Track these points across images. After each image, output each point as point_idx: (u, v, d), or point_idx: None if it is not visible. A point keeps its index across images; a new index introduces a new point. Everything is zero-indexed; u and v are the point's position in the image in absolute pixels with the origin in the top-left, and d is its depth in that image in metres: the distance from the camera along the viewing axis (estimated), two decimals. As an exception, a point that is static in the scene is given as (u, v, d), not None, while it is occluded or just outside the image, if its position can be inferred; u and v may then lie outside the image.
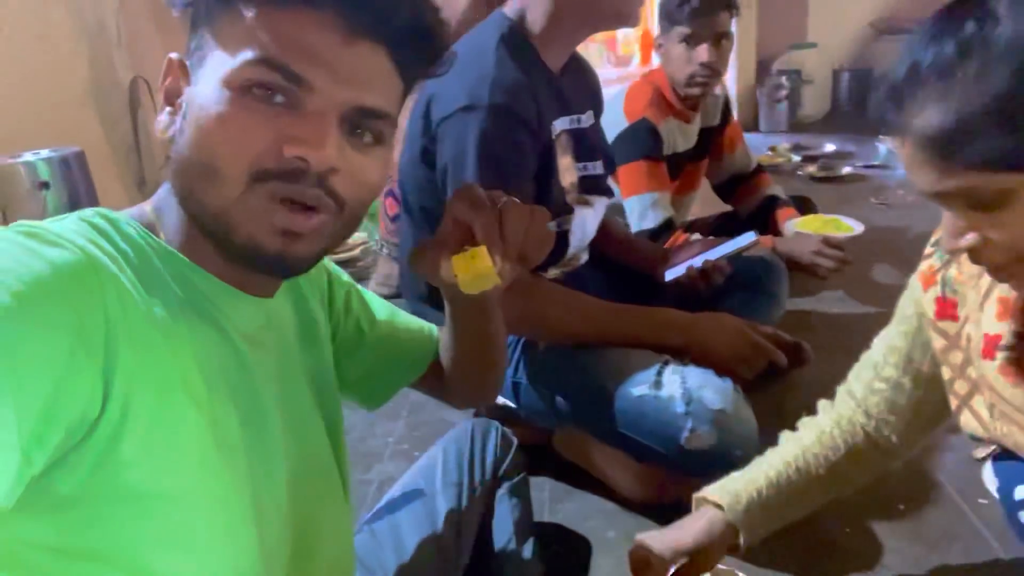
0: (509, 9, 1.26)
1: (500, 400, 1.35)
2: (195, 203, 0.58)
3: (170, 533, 0.54)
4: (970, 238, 0.65)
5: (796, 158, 3.20)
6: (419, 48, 0.62)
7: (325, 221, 0.59)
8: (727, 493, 0.96)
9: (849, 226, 1.97)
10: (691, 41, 1.75)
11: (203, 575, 0.57)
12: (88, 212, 0.57)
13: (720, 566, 1.02)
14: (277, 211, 0.57)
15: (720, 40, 1.76)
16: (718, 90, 2.00)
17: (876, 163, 3.07)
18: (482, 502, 1.06)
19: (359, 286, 0.87)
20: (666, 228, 1.81)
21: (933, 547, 1.11)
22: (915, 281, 0.88)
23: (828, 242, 1.76)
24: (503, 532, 1.05)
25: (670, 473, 1.21)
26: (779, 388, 1.53)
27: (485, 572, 1.02)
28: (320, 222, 0.59)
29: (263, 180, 0.56)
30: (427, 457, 1.13)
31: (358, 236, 2.70)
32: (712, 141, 2.03)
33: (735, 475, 0.99)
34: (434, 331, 0.91)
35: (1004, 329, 0.75)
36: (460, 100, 1.14)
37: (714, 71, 1.78)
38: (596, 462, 1.31)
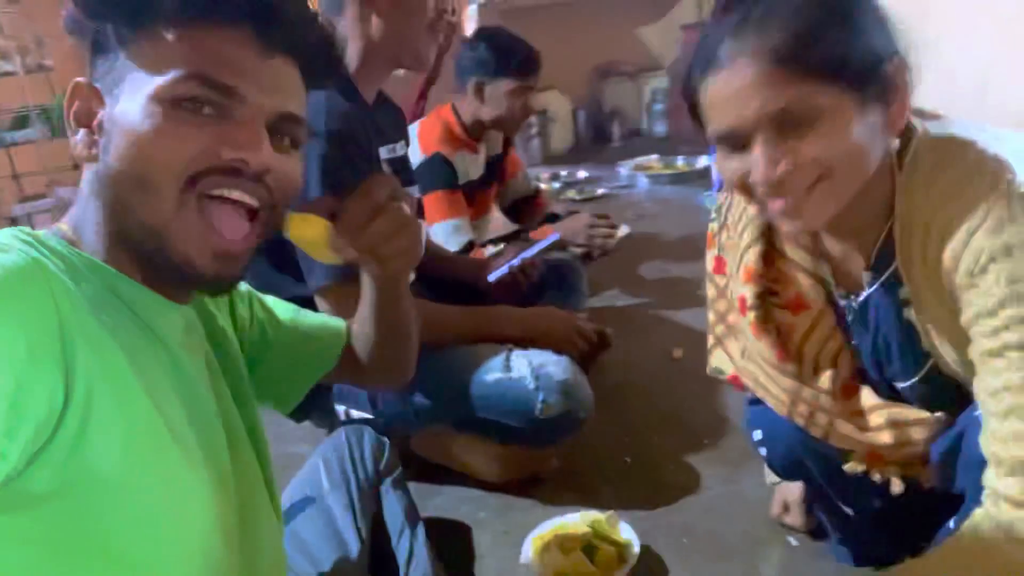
0: (327, 49, 1.37)
1: (356, 414, 1.41)
2: (128, 216, 0.61)
3: (142, 520, 0.57)
4: (784, 164, 0.71)
5: (556, 185, 3.61)
6: (321, 61, 0.70)
7: (257, 230, 0.65)
8: None
9: (619, 229, 2.34)
10: (516, 94, 2.00)
11: (176, 558, 0.59)
12: (6, 230, 0.59)
13: (604, 514, 1.18)
14: (208, 229, 0.61)
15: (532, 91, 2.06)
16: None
17: (621, 184, 3.57)
18: (371, 499, 1.13)
19: (258, 293, 0.91)
20: (468, 250, 1.99)
21: (736, 465, 1.38)
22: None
23: (596, 216, 2.13)
24: (395, 522, 1.12)
25: (526, 449, 1.37)
26: (593, 368, 1.76)
27: (388, 562, 1.08)
28: (253, 234, 0.64)
29: (197, 180, 0.60)
30: (306, 468, 1.16)
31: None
32: (498, 168, 2.27)
33: None
34: (341, 325, 0.96)
35: (748, 291, 0.90)
36: None
37: (532, 115, 2.04)
38: (456, 454, 1.43)
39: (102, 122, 0.62)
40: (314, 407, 1.46)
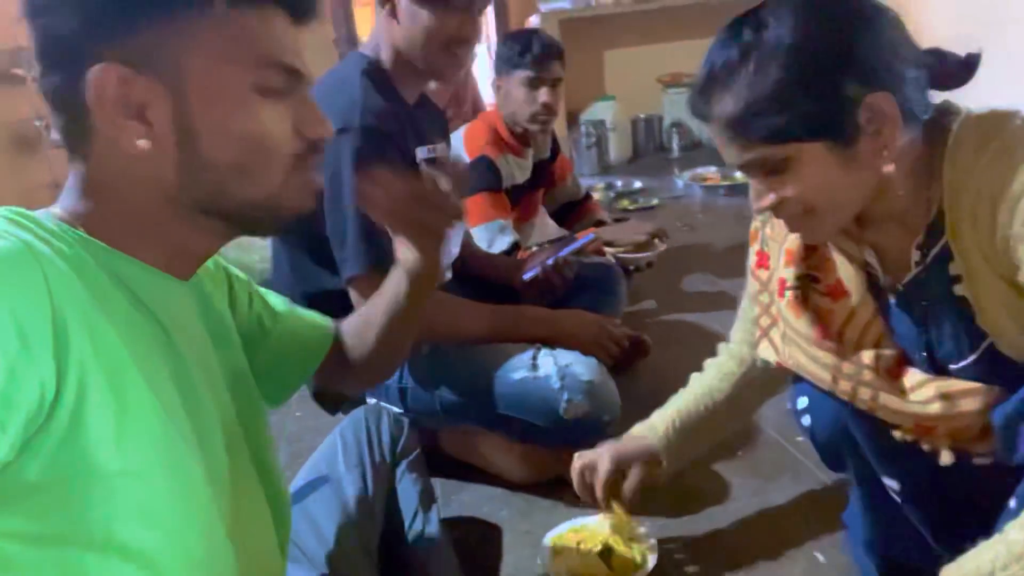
0: (366, 48, 1.40)
1: (386, 407, 1.43)
2: (229, 201, 0.64)
3: (138, 509, 0.55)
4: (770, 198, 0.80)
5: (611, 195, 3.59)
6: (312, 18, 0.69)
7: None
8: (647, 426, 1.12)
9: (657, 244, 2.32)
10: (532, 85, 1.99)
11: (175, 548, 0.58)
12: (1, 210, 0.57)
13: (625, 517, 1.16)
14: (307, 177, 0.68)
15: (556, 84, 2.02)
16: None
17: (677, 195, 3.52)
18: (385, 480, 1.12)
19: (256, 286, 0.90)
20: (514, 251, 2.00)
21: (768, 479, 1.34)
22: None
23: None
24: (409, 505, 1.12)
25: (550, 450, 1.36)
26: (625, 375, 1.74)
27: (398, 545, 1.09)
28: None
29: (301, 161, 0.66)
30: (325, 445, 1.17)
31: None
32: (545, 172, 2.27)
33: (655, 413, 1.15)
34: (330, 324, 0.96)
35: (789, 273, 0.92)
36: (333, 124, 1.25)
37: (552, 111, 2.04)
38: (482, 452, 1.43)
39: (171, 110, 0.59)
40: (346, 399, 1.49)
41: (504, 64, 2.03)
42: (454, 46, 1.35)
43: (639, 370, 1.76)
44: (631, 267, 2.21)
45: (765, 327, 0.99)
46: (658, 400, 1.68)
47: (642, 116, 4.50)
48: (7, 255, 0.50)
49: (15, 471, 0.50)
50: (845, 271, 0.89)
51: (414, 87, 1.45)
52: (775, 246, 0.96)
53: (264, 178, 0.64)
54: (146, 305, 0.61)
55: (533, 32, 2.07)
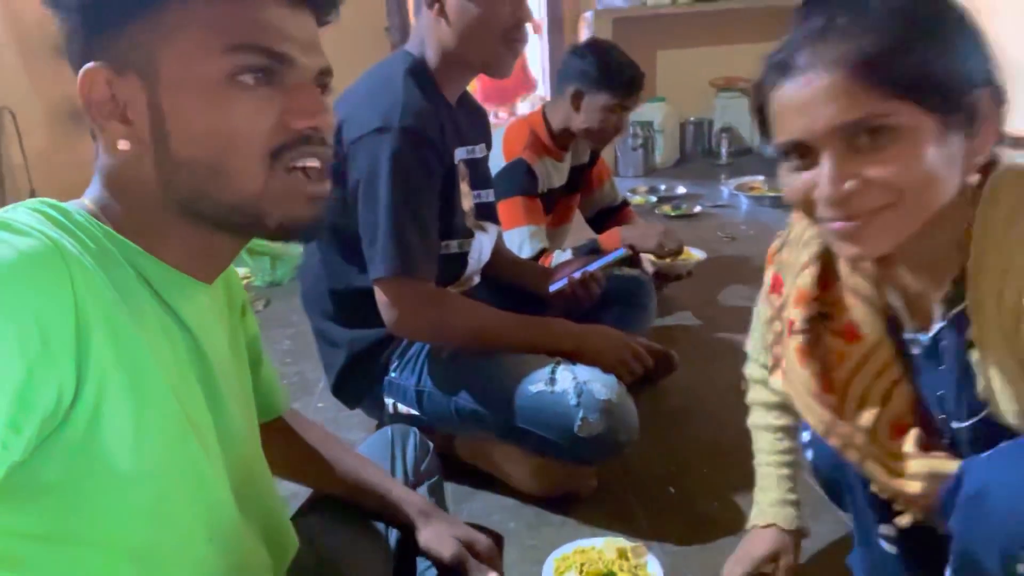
0: (410, 47, 1.39)
1: (403, 408, 1.43)
2: (204, 202, 0.59)
3: (149, 510, 0.56)
4: (852, 183, 0.68)
5: (653, 199, 3.53)
6: (329, 4, 0.65)
7: (328, 178, 0.64)
8: (767, 514, 1.09)
9: (695, 255, 2.29)
10: (611, 110, 1.99)
11: (181, 547, 0.58)
12: (34, 202, 0.57)
13: (632, 543, 1.15)
14: (301, 183, 0.60)
15: (629, 111, 2.05)
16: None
17: (721, 203, 3.45)
18: None
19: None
20: (539, 256, 1.98)
21: (785, 512, 1.30)
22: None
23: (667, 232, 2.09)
24: None
25: (564, 465, 1.35)
26: (652, 391, 1.71)
27: (413, 564, 1.08)
28: (327, 178, 0.63)
29: (279, 156, 0.59)
30: None
31: (241, 271, 2.68)
32: (582, 178, 2.24)
33: (759, 495, 1.12)
34: (284, 398, 0.93)
35: (797, 315, 0.86)
36: (373, 123, 1.26)
37: (619, 135, 2.11)
38: (496, 461, 1.42)
39: (146, 109, 0.58)
40: (365, 396, 1.50)
41: (583, 79, 1.98)
42: (510, 34, 1.32)
43: (665, 386, 1.74)
44: (669, 276, 2.18)
45: (778, 356, 0.95)
46: (681, 420, 1.66)
47: (692, 119, 4.42)
48: (35, 256, 0.50)
49: (30, 471, 0.50)
50: (859, 314, 0.84)
51: (458, 86, 1.44)
52: (790, 275, 0.91)
53: (239, 178, 0.59)
54: (170, 305, 0.61)
55: (625, 58, 2.02)
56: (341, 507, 0.96)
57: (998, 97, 0.70)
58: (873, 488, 0.85)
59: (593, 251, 1.98)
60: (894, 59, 0.66)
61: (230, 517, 0.64)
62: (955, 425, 0.80)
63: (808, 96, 0.68)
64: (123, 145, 0.58)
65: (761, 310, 1.02)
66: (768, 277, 0.97)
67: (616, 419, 1.24)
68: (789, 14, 0.76)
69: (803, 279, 0.87)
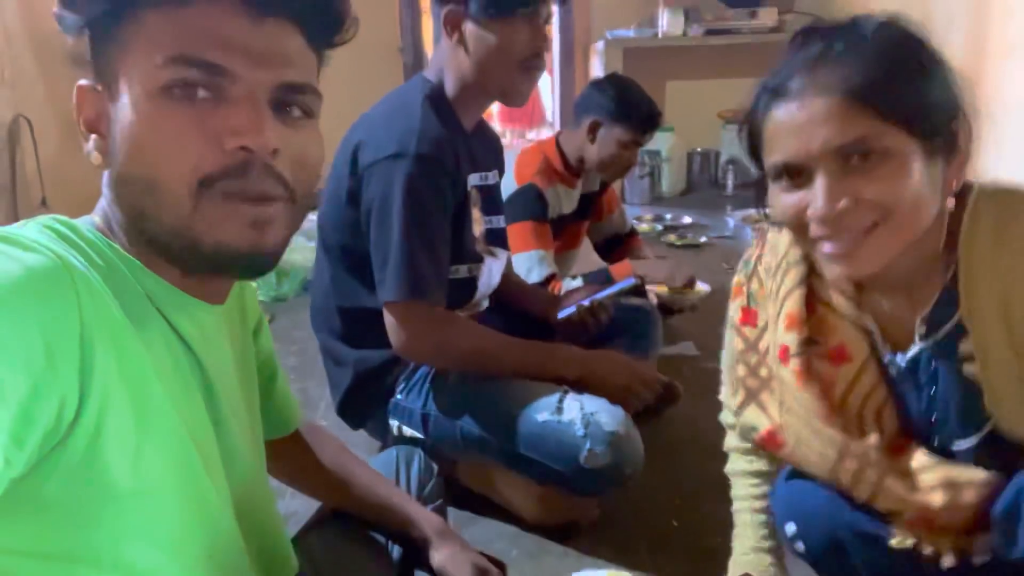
0: (429, 73, 1.41)
1: (407, 431, 1.43)
2: (148, 222, 0.57)
3: (147, 528, 0.55)
4: (845, 202, 0.71)
5: (658, 227, 3.55)
6: (323, 18, 0.62)
7: (280, 208, 0.59)
8: (739, 563, 1.03)
9: (701, 288, 2.28)
10: (626, 147, 2.02)
11: (180, 565, 0.58)
12: (46, 219, 0.57)
13: (622, 573, 1.14)
14: (237, 207, 0.56)
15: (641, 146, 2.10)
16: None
17: (726, 235, 3.47)
18: None
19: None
20: (548, 282, 1.99)
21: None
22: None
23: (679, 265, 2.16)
24: None
25: (568, 494, 1.34)
26: (653, 422, 1.71)
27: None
28: (277, 209, 0.59)
29: (210, 185, 0.55)
30: None
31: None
32: (592, 205, 2.25)
33: (735, 543, 1.05)
34: (299, 414, 0.93)
35: (791, 339, 0.86)
36: (389, 148, 1.27)
37: (631, 169, 2.20)
38: (498, 488, 1.42)
39: (109, 124, 0.58)
40: (370, 417, 1.50)
41: (601, 111, 2.01)
42: (528, 62, 1.34)
43: (669, 416, 1.73)
44: (673, 309, 2.19)
45: (753, 389, 0.94)
46: (685, 452, 1.65)
47: (699, 150, 4.47)
48: (42, 271, 0.50)
49: (31, 487, 0.50)
50: (846, 334, 0.85)
51: (475, 113, 1.45)
52: (770, 306, 0.91)
53: (168, 198, 0.55)
54: (174, 326, 0.61)
55: (644, 95, 2.06)
56: (345, 526, 0.95)
57: (968, 124, 0.75)
58: (893, 542, 0.83)
59: (605, 280, 1.99)
60: (888, 86, 0.70)
61: (230, 535, 0.64)
62: (957, 446, 0.80)
63: (805, 118, 0.72)
64: (95, 159, 0.59)
65: (729, 349, 1.00)
66: (736, 310, 0.97)
67: (623, 451, 1.24)
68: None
69: (791, 304, 0.88)
